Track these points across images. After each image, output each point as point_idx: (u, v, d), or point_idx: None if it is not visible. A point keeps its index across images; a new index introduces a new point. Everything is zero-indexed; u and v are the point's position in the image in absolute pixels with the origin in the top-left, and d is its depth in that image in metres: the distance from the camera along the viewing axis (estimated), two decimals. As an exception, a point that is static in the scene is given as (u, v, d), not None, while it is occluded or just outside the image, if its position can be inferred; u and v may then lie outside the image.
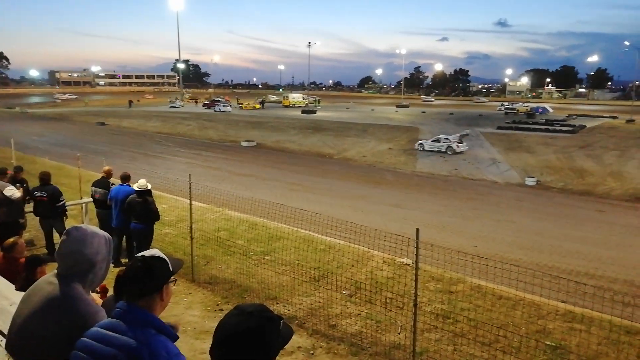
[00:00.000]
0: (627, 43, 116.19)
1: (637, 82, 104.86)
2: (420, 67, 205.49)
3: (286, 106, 76.31)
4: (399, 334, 6.55)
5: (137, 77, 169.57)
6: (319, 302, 7.36)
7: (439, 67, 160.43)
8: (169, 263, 2.11)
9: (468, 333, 6.59)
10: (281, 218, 12.63)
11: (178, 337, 2.12)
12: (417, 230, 5.57)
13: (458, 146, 29.80)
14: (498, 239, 13.15)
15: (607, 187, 20.58)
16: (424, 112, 67.05)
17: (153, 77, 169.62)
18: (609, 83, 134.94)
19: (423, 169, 25.23)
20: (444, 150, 29.63)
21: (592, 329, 6.87)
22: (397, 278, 8.44)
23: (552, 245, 12.68)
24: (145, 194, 8.30)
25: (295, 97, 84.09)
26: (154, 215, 8.38)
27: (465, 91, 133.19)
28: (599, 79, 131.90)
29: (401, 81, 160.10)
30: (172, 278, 2.12)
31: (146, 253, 2.11)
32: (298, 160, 27.79)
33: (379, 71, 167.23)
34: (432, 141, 30.90)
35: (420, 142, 31.78)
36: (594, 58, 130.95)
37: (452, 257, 11.01)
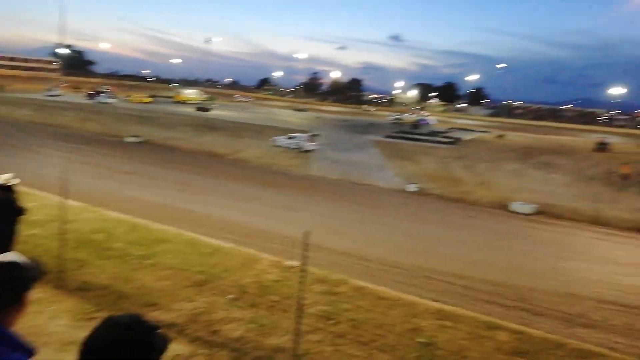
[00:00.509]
0: (501, 66, 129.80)
1: (507, 101, 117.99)
2: (318, 73, 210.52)
3: (179, 102, 73.30)
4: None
5: (10, 59, 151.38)
6: (202, 307, 7.13)
7: (336, 74, 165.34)
8: (29, 268, 1.87)
9: (348, 333, 6.81)
10: (166, 219, 12.10)
11: (35, 353, 1.89)
12: (306, 233, 5.64)
13: (307, 145, 32.72)
14: (381, 241, 13.84)
15: (478, 195, 22.71)
16: (319, 117, 68.65)
17: (26, 60, 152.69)
18: (485, 100, 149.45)
19: (316, 172, 25.78)
20: (293, 147, 32.20)
21: (459, 325, 7.47)
22: (283, 281, 8.49)
23: (429, 247, 13.68)
24: (8, 190, 7.40)
25: (190, 93, 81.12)
26: (18, 212, 7.49)
27: (359, 100, 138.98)
28: (476, 96, 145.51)
29: (299, 85, 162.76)
30: (33, 285, 1.89)
31: (1, 257, 1.86)
32: (189, 159, 26.83)
33: (277, 73, 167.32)
34: (285, 138, 33.49)
35: (275, 138, 34.08)
36: (472, 77, 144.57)
37: (337, 259, 11.39)
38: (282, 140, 33.48)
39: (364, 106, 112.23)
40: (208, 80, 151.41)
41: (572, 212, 20.47)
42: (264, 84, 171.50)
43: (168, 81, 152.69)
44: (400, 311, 7.83)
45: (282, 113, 71.28)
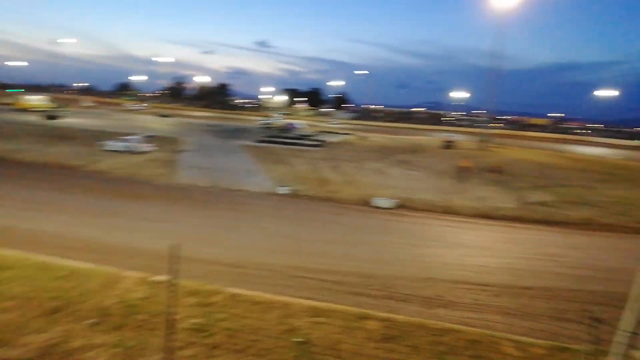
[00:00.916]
0: (361, 72, 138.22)
1: (367, 105, 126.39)
2: (183, 77, 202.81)
3: (21, 109, 65.01)
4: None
5: None
6: (57, 337, 6.41)
7: (202, 79, 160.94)
8: None
9: (224, 343, 6.67)
10: (11, 243, 10.66)
11: None
12: (174, 245, 5.39)
13: (142, 147, 32.49)
14: (255, 246, 13.81)
15: (345, 194, 23.85)
16: (186, 123, 66.27)
17: None
18: (349, 105, 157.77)
19: (184, 180, 24.80)
20: (125, 150, 31.63)
21: (332, 320, 7.75)
22: (151, 298, 8.01)
23: (302, 247, 14.00)
24: None
25: (34, 99, 72.34)
26: None
27: (227, 105, 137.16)
28: (340, 101, 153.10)
29: (163, 90, 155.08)
30: None
31: None
32: (36, 173, 23.96)
33: (138, 78, 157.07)
34: (116, 141, 32.76)
35: (107, 142, 32.99)
36: (336, 82, 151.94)
37: (211, 269, 11.08)
38: (113, 143, 32.39)
39: (236, 111, 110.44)
40: (58, 85, 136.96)
41: (427, 204, 22.55)
42: (124, 88, 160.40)
43: (5, 86, 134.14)
44: (275, 314, 7.89)
45: (145, 119, 67.31)
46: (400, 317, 8.06)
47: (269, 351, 6.57)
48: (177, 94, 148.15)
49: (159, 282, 8.68)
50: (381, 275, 11.82)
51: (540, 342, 7.36)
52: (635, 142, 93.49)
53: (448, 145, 51.05)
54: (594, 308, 5.68)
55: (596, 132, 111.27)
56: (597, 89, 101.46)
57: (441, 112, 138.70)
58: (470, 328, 8.01)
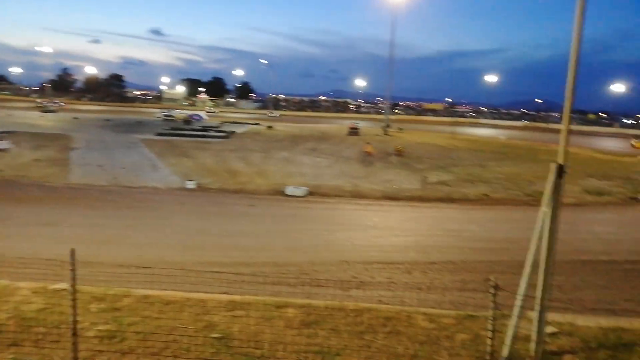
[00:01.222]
0: (263, 61, 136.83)
1: (272, 95, 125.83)
2: (69, 68, 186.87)
3: None
4: None
5: None
6: None
7: (91, 70, 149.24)
8: None
9: (137, 348, 6.26)
10: None
11: None
12: (72, 251, 4.92)
13: None
14: (163, 244, 13.16)
15: (256, 184, 23.60)
16: (77, 117, 61.19)
17: None
18: (252, 94, 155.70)
19: (79, 180, 22.94)
20: None
21: (251, 312, 7.60)
22: (51, 308, 7.29)
23: (214, 241, 13.61)
24: None
25: None
26: None
27: (122, 97, 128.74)
28: (244, 90, 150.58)
29: (46, 83, 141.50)
30: None
31: None
32: None
33: (15, 69, 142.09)
34: None
35: None
36: (239, 72, 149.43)
37: (116, 272, 10.35)
38: None
39: (130, 104, 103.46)
40: None
41: (337, 189, 23.05)
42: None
43: None
44: (191, 311, 7.57)
45: (26, 115, 61.10)
46: (318, 302, 8.12)
47: (186, 351, 6.28)
48: (62, 86, 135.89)
49: (59, 291, 7.92)
50: (297, 262, 11.86)
51: (450, 312, 7.83)
52: (521, 123, 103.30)
53: (353, 132, 52.51)
54: (494, 276, 6.17)
55: (486, 114, 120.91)
56: (483, 75, 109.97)
57: (344, 100, 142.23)
58: (385, 306, 8.30)
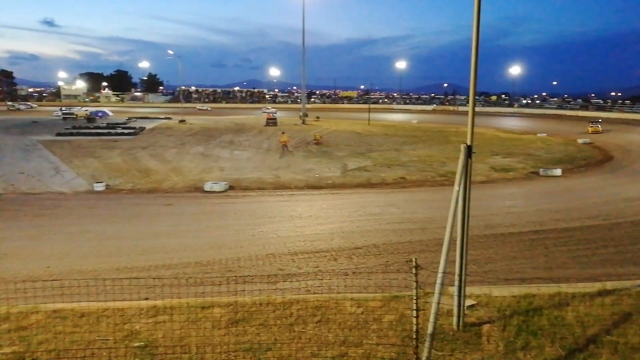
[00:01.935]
0: (170, 52, 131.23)
1: (182, 87, 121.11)
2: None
3: None
4: None
5: None
6: None
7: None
8: None
9: (49, 369, 5.74)
10: None
11: None
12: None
13: None
14: (74, 253, 12.21)
15: (171, 182, 22.64)
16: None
17: None
18: (161, 87, 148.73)
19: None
20: None
21: (175, 317, 7.26)
22: (-59, 336, 6.47)
23: (130, 246, 12.84)
24: None
25: None
26: None
27: (12, 95, 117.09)
28: (152, 83, 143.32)
29: None
30: None
31: None
32: None
33: None
34: None
35: None
36: (144, 64, 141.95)
37: (19, 288, 9.43)
38: None
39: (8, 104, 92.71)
40: None
41: (258, 182, 22.78)
42: None
43: None
44: (109, 322, 7.08)
45: None
46: (245, 299, 7.94)
47: (107, 364, 5.86)
48: None
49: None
50: (222, 260, 11.54)
51: (376, 295, 8.01)
52: (431, 107, 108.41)
53: (271, 122, 52.14)
54: (415, 256, 6.40)
55: (398, 100, 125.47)
56: (393, 62, 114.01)
57: (260, 90, 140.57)
58: (314, 295, 8.31)
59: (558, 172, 26.50)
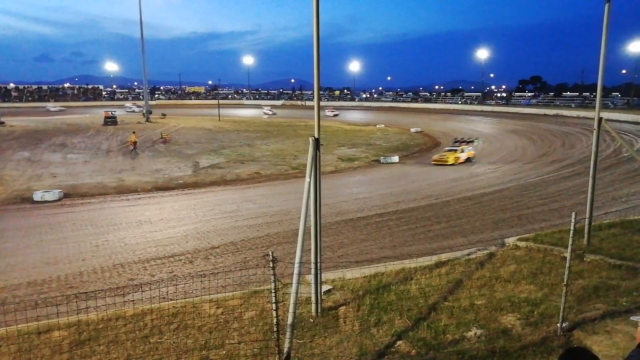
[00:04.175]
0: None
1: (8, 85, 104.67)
2: None
3: None
4: None
5: None
6: None
7: None
8: None
9: None
10: None
11: None
12: None
13: None
14: None
15: (-9, 194, 19.49)
16: None
17: None
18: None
19: None
20: None
21: (3, 348, 6.30)
22: None
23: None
24: None
25: None
26: None
27: None
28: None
29: None
30: None
31: None
32: None
33: None
34: None
35: None
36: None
37: None
38: None
39: None
40: None
41: (98, 187, 20.82)
42: None
43: None
44: None
45: None
46: (92, 316, 7.19)
47: None
48: None
49: None
50: (60, 277, 10.30)
51: (235, 293, 7.89)
52: (280, 102, 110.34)
53: (110, 121, 48.06)
54: (273, 249, 6.45)
55: (247, 95, 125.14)
56: (241, 57, 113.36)
57: (95, 86, 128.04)
58: (170, 302, 7.88)
59: (396, 159, 29.19)
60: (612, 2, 8.69)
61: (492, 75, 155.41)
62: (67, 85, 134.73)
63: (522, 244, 10.01)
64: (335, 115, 68.97)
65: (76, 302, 7.36)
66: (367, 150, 33.82)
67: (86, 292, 8.78)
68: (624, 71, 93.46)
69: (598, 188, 12.42)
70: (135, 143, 30.84)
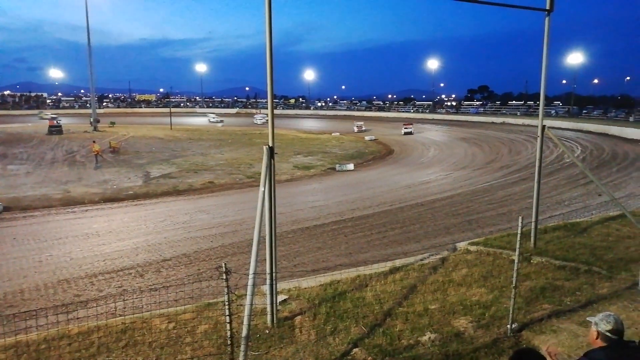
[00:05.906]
0: None
1: None
2: None
3: None
4: None
5: None
6: None
7: None
8: None
9: None
10: None
11: None
12: None
13: None
14: None
15: None
16: None
17: None
18: None
19: None
20: None
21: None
22: None
23: None
24: None
25: None
26: None
27: None
28: None
29: None
30: None
31: None
32: None
33: None
34: None
35: None
36: None
37: None
38: None
39: None
40: None
41: (42, 199, 19.81)
42: None
43: None
44: None
45: None
46: (31, 337, 6.77)
47: None
48: None
49: None
50: (-2, 295, 9.67)
51: (188, 307, 7.65)
52: (234, 110, 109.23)
53: (55, 130, 45.99)
54: (226, 260, 6.29)
55: (200, 103, 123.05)
56: (193, 64, 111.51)
57: (38, 93, 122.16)
58: (118, 318, 7.54)
59: (351, 166, 29.46)
60: (552, 17, 9.17)
61: (442, 84, 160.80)
62: (7, 92, 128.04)
63: (473, 248, 10.29)
64: (265, 122, 67.82)
65: (15, 322, 6.91)
66: (322, 158, 33.96)
67: (27, 311, 8.28)
68: (564, 81, 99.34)
69: (543, 192, 12.98)
70: (98, 152, 29.70)
